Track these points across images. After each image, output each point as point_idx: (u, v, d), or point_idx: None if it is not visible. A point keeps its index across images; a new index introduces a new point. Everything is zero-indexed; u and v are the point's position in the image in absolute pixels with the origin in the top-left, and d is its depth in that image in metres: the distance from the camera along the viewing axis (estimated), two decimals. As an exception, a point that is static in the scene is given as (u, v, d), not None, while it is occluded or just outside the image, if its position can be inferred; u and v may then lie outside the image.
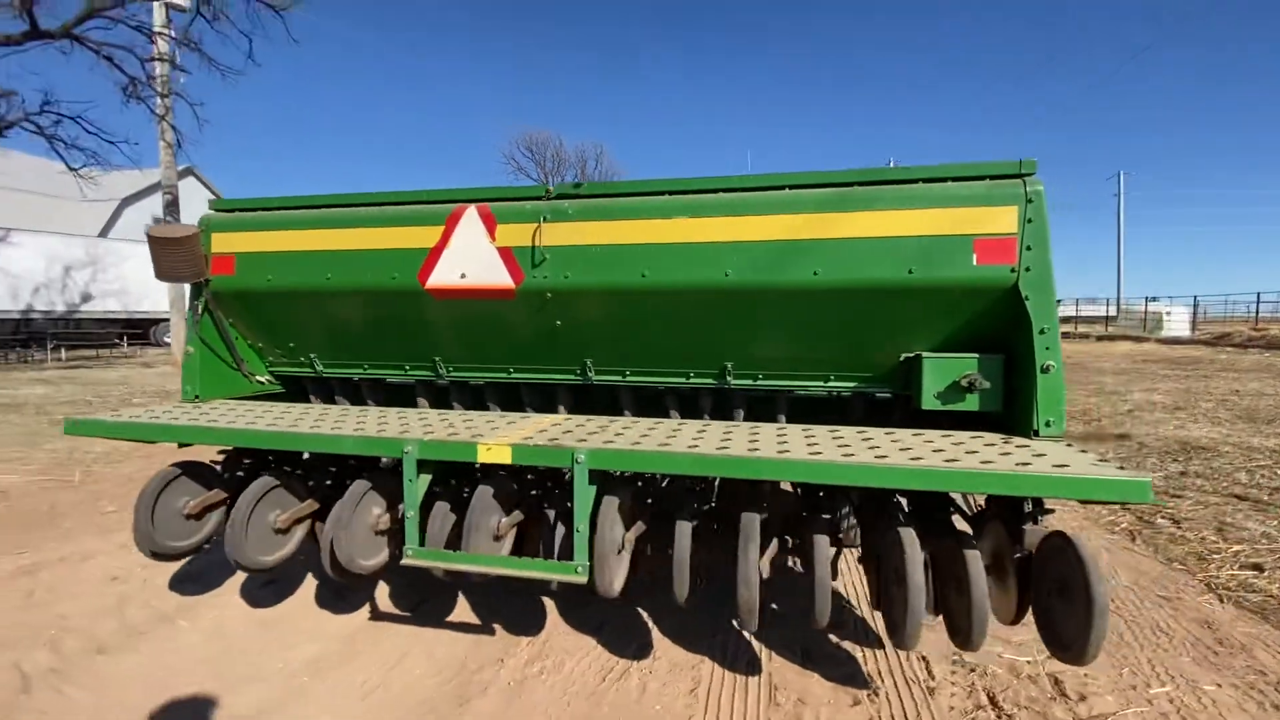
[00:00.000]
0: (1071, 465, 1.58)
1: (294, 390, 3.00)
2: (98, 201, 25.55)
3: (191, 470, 2.37)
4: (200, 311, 2.59)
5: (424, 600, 2.73)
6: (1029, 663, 2.31)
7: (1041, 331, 1.89)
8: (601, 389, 2.56)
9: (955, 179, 1.97)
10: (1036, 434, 1.92)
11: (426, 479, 2.04)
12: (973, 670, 2.27)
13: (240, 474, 2.51)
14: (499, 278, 2.27)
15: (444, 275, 2.32)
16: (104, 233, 24.83)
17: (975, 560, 1.75)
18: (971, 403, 2.03)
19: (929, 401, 2.05)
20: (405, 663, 2.29)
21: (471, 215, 2.30)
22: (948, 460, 1.68)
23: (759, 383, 2.37)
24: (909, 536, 1.80)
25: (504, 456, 1.84)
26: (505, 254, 2.27)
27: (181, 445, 2.36)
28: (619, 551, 1.96)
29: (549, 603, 2.71)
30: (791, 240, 2.03)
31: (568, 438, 1.96)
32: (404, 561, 1.99)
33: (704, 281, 2.11)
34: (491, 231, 2.28)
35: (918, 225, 1.96)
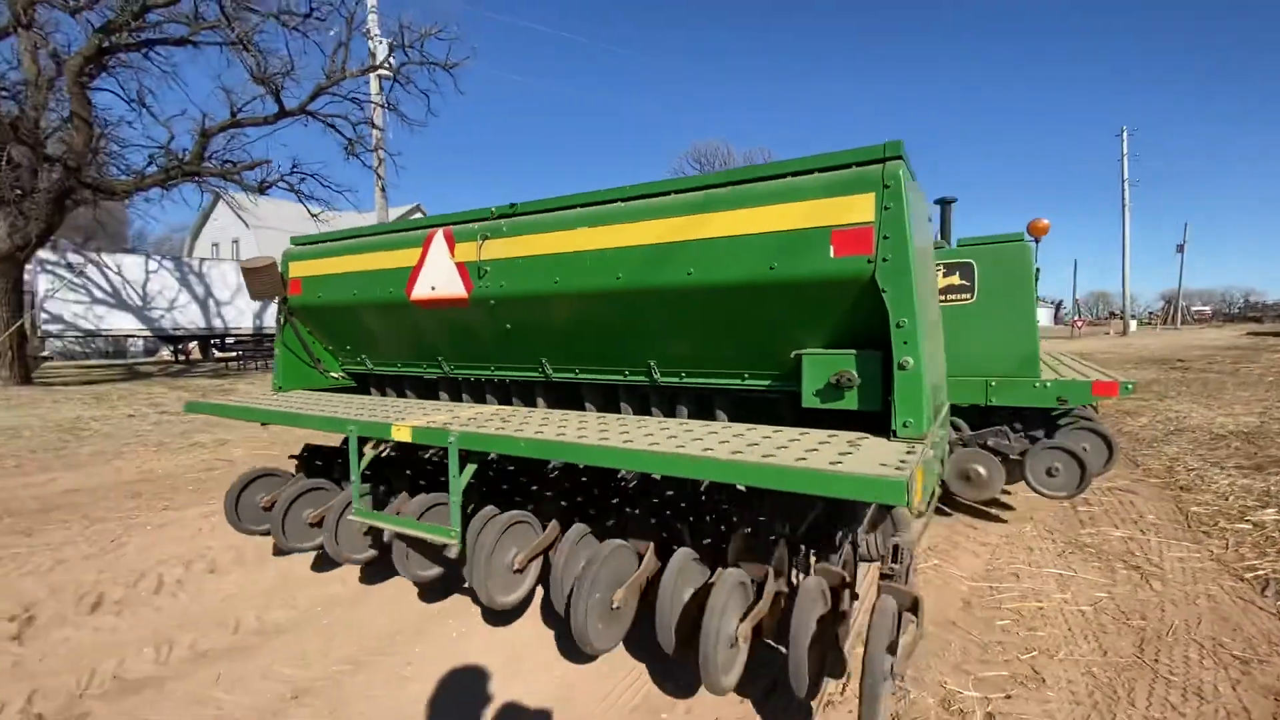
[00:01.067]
0: (848, 463, 1.51)
1: (363, 384, 3.74)
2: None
3: (267, 474, 3.17)
4: (283, 322, 3.41)
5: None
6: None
7: (899, 325, 1.77)
8: (570, 385, 2.84)
9: (821, 169, 1.92)
10: (894, 435, 1.78)
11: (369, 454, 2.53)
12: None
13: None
14: (457, 289, 2.69)
15: (421, 289, 2.80)
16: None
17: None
18: (850, 400, 1.94)
19: (809, 399, 2.00)
20: (391, 607, 2.79)
21: (439, 237, 2.75)
22: (765, 455, 1.68)
23: (684, 381, 2.46)
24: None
25: (406, 436, 2.23)
26: (461, 268, 2.68)
27: (263, 424, 3.14)
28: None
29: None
30: (667, 243, 2.14)
31: (471, 424, 2.28)
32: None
33: (601, 286, 2.30)
34: (452, 250, 2.71)
35: (780, 220, 1.94)
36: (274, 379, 3.48)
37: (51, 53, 11.14)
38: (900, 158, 1.81)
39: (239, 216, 27.09)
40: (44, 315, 19.50)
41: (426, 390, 3.46)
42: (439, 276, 2.74)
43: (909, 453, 1.60)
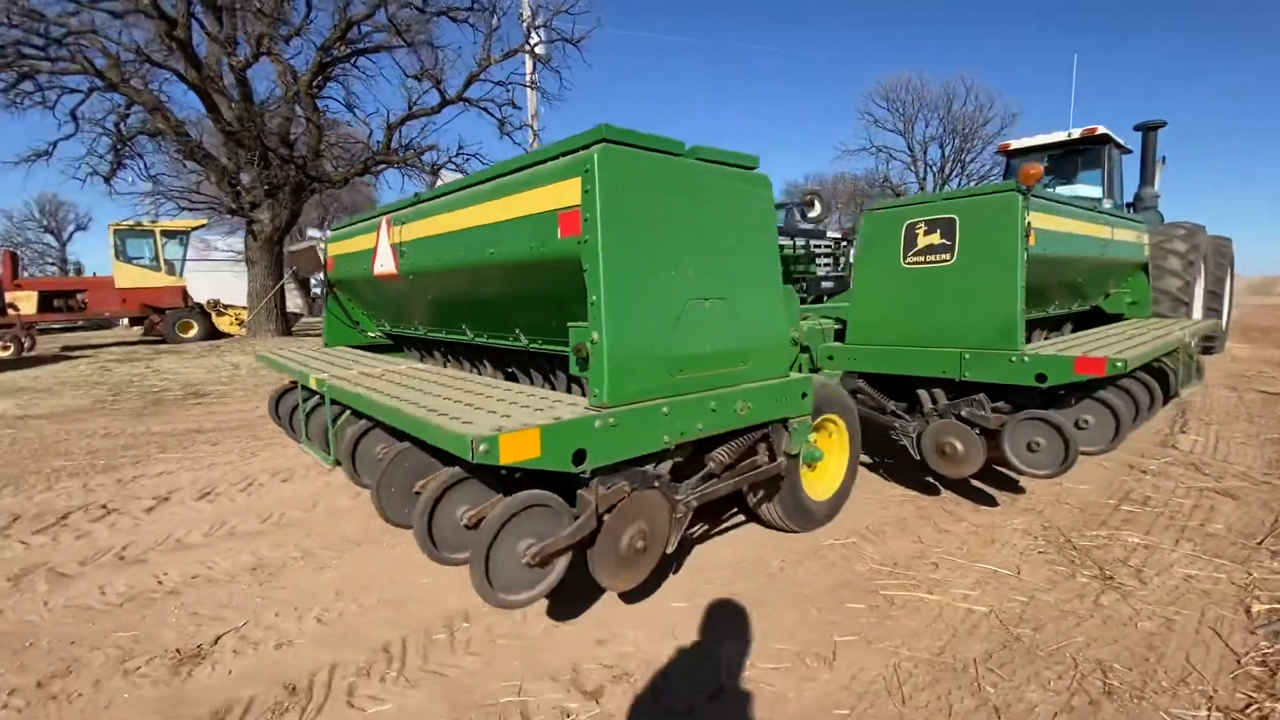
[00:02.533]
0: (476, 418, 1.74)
1: (397, 343, 4.56)
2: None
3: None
4: (325, 293, 4.32)
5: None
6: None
7: (591, 303, 1.87)
8: (471, 346, 3.28)
9: (555, 156, 2.04)
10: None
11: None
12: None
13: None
14: (391, 267, 3.25)
15: (376, 267, 3.41)
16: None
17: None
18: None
19: (573, 367, 2.18)
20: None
21: (384, 223, 3.32)
22: (431, 410, 1.96)
23: (515, 344, 2.75)
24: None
25: (313, 385, 2.86)
26: (393, 249, 3.22)
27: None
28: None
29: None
30: (479, 226, 2.42)
31: (345, 378, 2.82)
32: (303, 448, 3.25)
33: (453, 263, 2.66)
34: (390, 234, 3.26)
35: (534, 205, 2.12)
36: (324, 337, 4.44)
37: (288, 71, 14.07)
38: (606, 141, 1.87)
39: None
40: (317, 280, 25.02)
41: (424, 348, 4.14)
42: (384, 256, 3.32)
43: (555, 417, 1.76)
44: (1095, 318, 5.18)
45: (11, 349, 13.34)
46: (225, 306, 16.06)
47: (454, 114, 13.68)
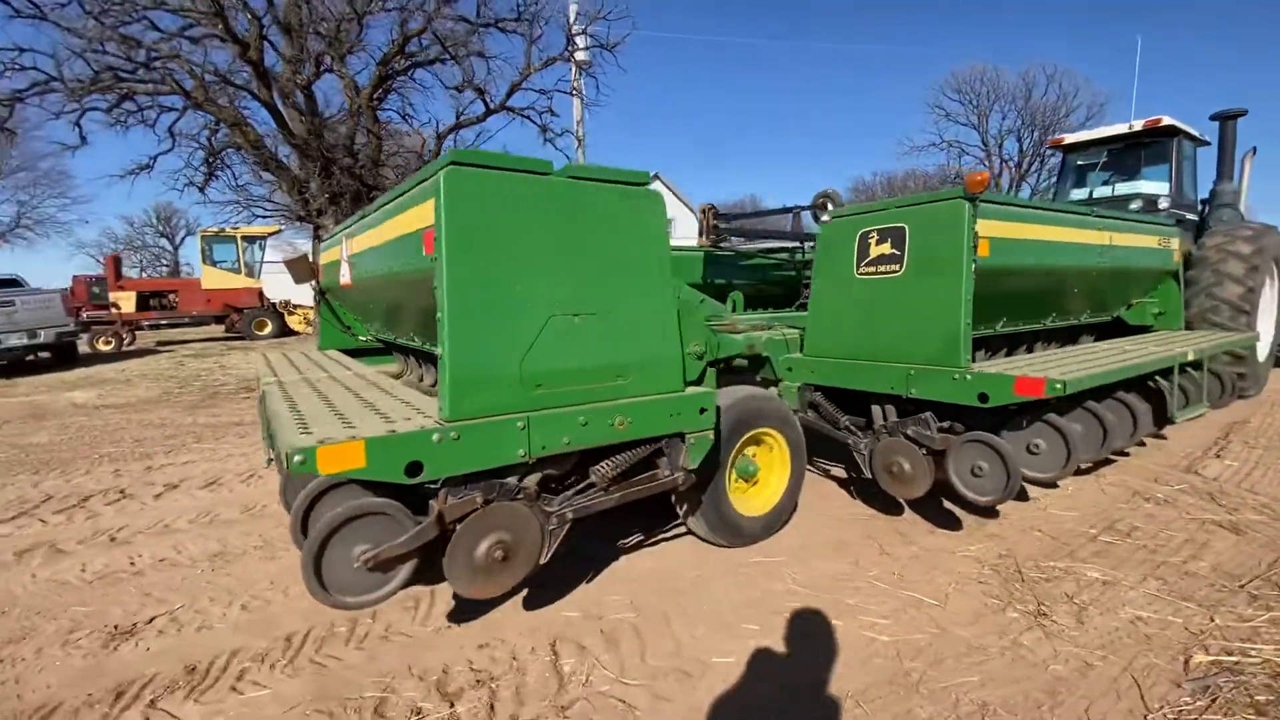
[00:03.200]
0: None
1: (388, 345, 4.80)
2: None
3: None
4: (318, 300, 4.61)
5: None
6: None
7: (437, 319, 1.94)
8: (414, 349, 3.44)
9: (429, 177, 2.11)
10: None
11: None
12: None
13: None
14: (349, 276, 3.44)
15: (341, 276, 3.63)
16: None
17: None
18: (464, 381, 2.15)
19: (449, 379, 2.27)
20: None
21: (343, 238, 3.52)
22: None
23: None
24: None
25: (259, 386, 3.08)
26: (349, 261, 3.42)
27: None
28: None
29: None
30: (396, 238, 2.52)
31: (297, 383, 3.02)
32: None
33: (382, 272, 2.79)
34: (346, 246, 3.46)
35: (412, 223, 2.21)
36: (318, 342, 4.74)
37: (351, 85, 14.95)
38: (455, 164, 1.93)
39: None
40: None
41: (400, 352, 4.35)
42: (344, 267, 3.53)
43: (391, 429, 1.84)
44: (1119, 328, 4.78)
45: (113, 343, 14.92)
46: (295, 306, 17.28)
47: (505, 121, 14.23)
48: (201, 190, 16.79)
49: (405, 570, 1.99)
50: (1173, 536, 3.24)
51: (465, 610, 2.59)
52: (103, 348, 14.73)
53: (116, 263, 16.92)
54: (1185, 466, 4.37)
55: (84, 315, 16.10)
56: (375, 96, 14.94)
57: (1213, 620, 2.48)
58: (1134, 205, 7.70)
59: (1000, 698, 2.05)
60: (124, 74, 12.72)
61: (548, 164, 2.13)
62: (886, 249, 3.17)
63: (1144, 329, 4.74)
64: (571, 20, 14.01)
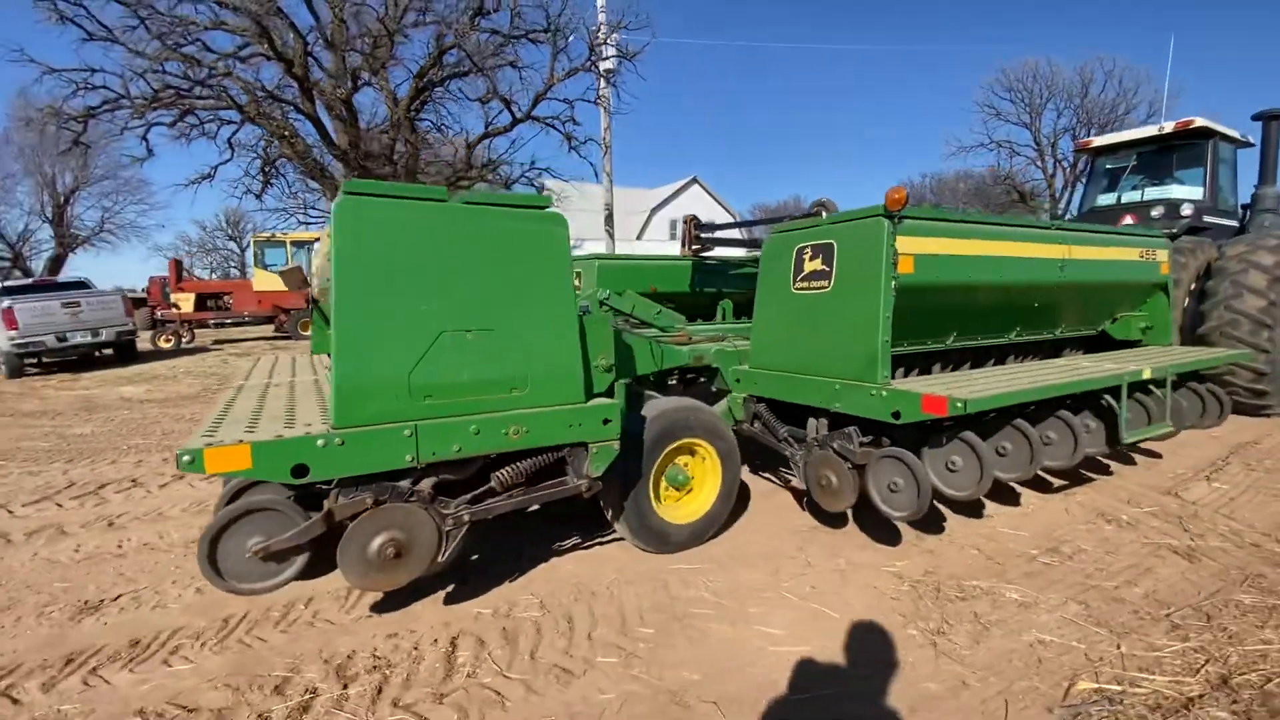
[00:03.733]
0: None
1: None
2: (638, 213, 35.65)
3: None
4: (309, 307, 4.93)
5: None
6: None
7: (330, 336, 2.13)
8: None
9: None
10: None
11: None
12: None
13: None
14: (315, 289, 3.71)
15: (316, 289, 3.90)
16: (639, 235, 34.70)
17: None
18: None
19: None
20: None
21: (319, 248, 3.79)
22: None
23: None
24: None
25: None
26: (314, 273, 3.68)
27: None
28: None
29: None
30: (326, 255, 2.75)
31: (268, 385, 3.29)
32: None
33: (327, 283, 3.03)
34: (317, 259, 3.72)
35: (328, 246, 2.41)
36: (311, 345, 5.07)
37: (391, 97, 15.63)
38: (347, 194, 2.12)
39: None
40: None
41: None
42: (314, 279, 3.80)
43: (278, 434, 2.04)
44: (1106, 343, 4.62)
45: (173, 341, 16.04)
46: (337, 308, 18.16)
47: (534, 131, 14.59)
48: (258, 197, 17.83)
49: (299, 561, 2.19)
50: (1116, 561, 3.16)
51: (389, 603, 2.78)
52: (163, 345, 15.85)
53: (177, 266, 18.15)
54: (1167, 488, 4.20)
55: (158, 314, 17.39)
56: (413, 108, 15.57)
57: (1118, 647, 2.43)
58: (1155, 212, 7.34)
59: (859, 711, 2.10)
60: (184, 91, 13.67)
61: (442, 192, 2.29)
62: (818, 265, 3.21)
63: (1132, 343, 4.57)
64: (599, 28, 14.26)
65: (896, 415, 2.78)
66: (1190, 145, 7.86)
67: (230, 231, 52.74)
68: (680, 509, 3.30)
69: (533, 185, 15.70)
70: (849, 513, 3.65)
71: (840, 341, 3.06)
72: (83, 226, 34.21)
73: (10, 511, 4.12)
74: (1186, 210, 7.11)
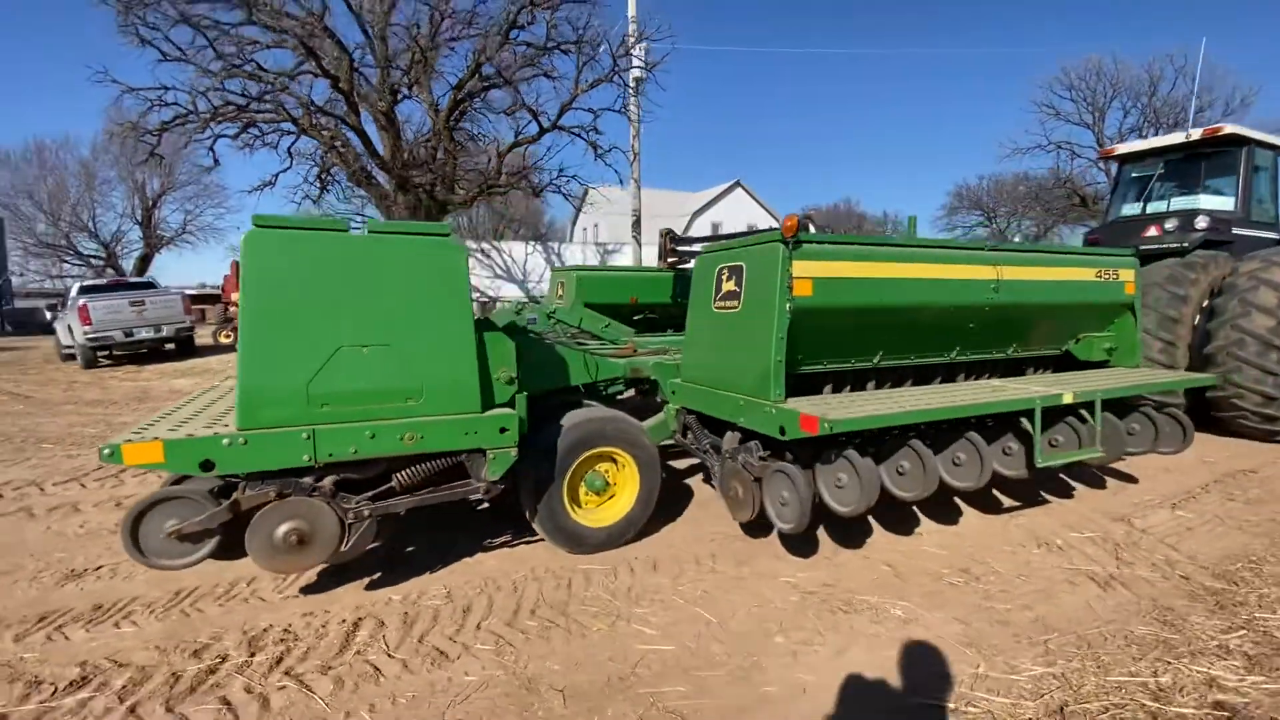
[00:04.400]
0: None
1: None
2: (679, 216, 35.82)
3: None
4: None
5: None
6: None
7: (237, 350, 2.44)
8: None
9: (257, 232, 2.63)
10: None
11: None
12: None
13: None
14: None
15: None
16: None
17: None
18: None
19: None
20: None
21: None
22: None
23: None
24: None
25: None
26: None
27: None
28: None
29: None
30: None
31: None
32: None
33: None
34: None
35: (257, 267, 2.73)
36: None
37: (433, 108, 16.39)
38: (256, 225, 2.43)
39: (570, 207, 33.63)
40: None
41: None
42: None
43: (190, 434, 2.37)
44: (1073, 363, 4.54)
45: (232, 337, 17.31)
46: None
47: (566, 141, 15.06)
48: (315, 202, 18.96)
49: (211, 543, 2.52)
50: (1024, 585, 3.16)
51: (316, 586, 3.11)
52: (224, 340, 17.13)
53: (237, 269, 19.53)
54: (1123, 514, 4.09)
55: (230, 309, 18.81)
56: (451, 119, 16.27)
57: (977, 668, 2.49)
58: (1169, 224, 7.00)
59: (700, 706, 2.25)
60: (243, 106, 14.78)
61: (343, 223, 2.58)
62: (732, 285, 3.35)
63: (1097, 364, 4.46)
64: (630, 38, 14.54)
65: (782, 431, 2.90)
66: (1222, 153, 7.44)
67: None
68: (600, 513, 3.50)
69: (560, 191, 16.16)
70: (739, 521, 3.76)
71: (745, 359, 3.19)
72: (168, 228, 37.05)
73: (41, 489, 4.72)
74: (1201, 223, 6.75)
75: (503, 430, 2.85)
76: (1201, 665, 2.44)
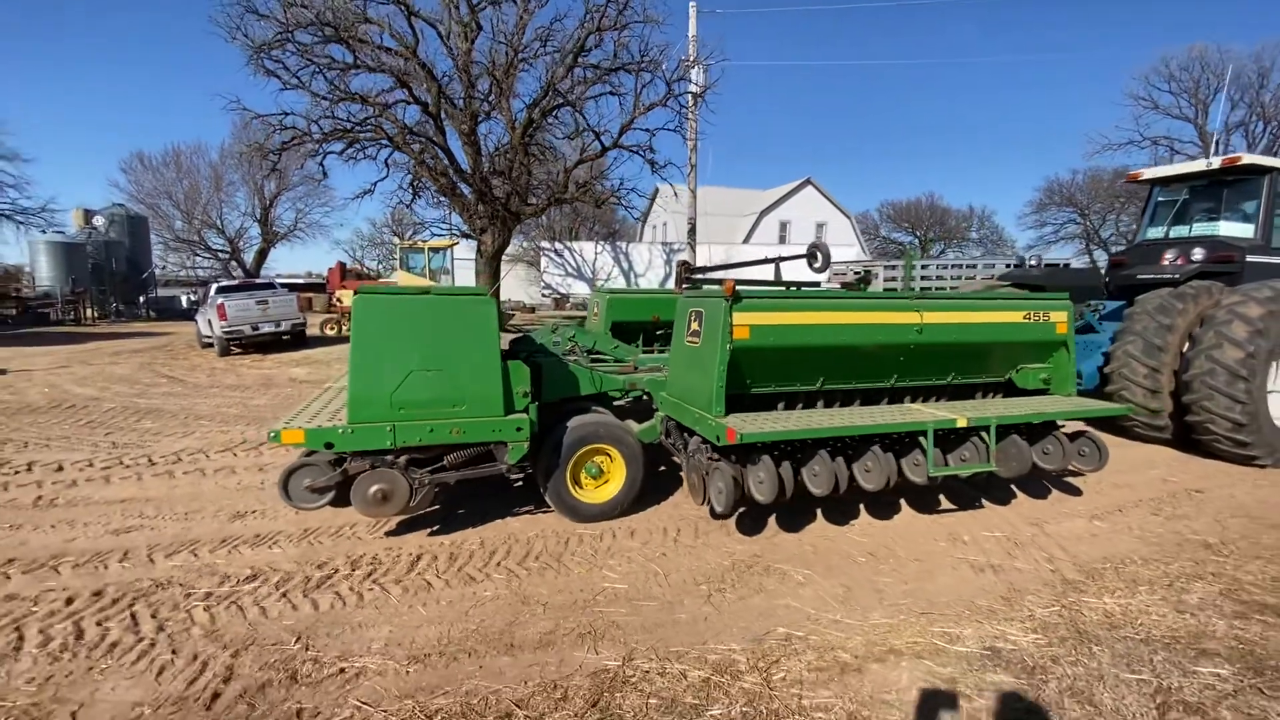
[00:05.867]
0: None
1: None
2: (747, 215, 36.20)
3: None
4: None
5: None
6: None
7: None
8: None
9: (361, 292, 3.95)
10: (349, 419, 3.81)
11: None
12: (410, 554, 4.13)
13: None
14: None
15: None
16: (747, 239, 35.30)
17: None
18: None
19: (376, 399, 4.12)
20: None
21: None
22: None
23: None
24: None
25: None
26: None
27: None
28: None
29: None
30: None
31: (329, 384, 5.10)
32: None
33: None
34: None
35: (360, 313, 4.08)
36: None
37: (512, 123, 18.03)
38: (358, 293, 3.74)
39: (624, 213, 34.65)
40: (542, 283, 30.25)
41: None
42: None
43: (320, 425, 3.72)
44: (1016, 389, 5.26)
45: (335, 329, 19.79)
46: (460, 305, 21.21)
47: (625, 158, 16.30)
48: (409, 207, 21.18)
49: (330, 494, 3.89)
50: (915, 567, 4.04)
51: (395, 532, 4.45)
52: (328, 332, 19.63)
53: (342, 268, 22.13)
54: (1040, 519, 4.82)
55: (335, 298, 21.49)
56: (526, 135, 17.85)
57: (836, 616, 3.46)
58: (1169, 255, 7.30)
59: (630, 620, 3.37)
60: (349, 128, 16.96)
61: (424, 289, 3.86)
62: (696, 325, 4.41)
63: (1037, 392, 5.16)
64: (685, 62, 15.52)
65: (718, 439, 3.95)
66: (1243, 181, 7.62)
67: (395, 229, 60.76)
68: (596, 493, 4.67)
69: (620, 204, 17.40)
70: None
71: (700, 382, 4.25)
72: (281, 225, 41.46)
73: (206, 456, 6.43)
74: (1197, 255, 7.05)
75: (518, 429, 4.07)
76: (1001, 626, 3.31)
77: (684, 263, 6.97)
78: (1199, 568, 4.02)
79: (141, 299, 29.62)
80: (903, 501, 5.15)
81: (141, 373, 12.10)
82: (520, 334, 6.35)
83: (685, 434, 4.74)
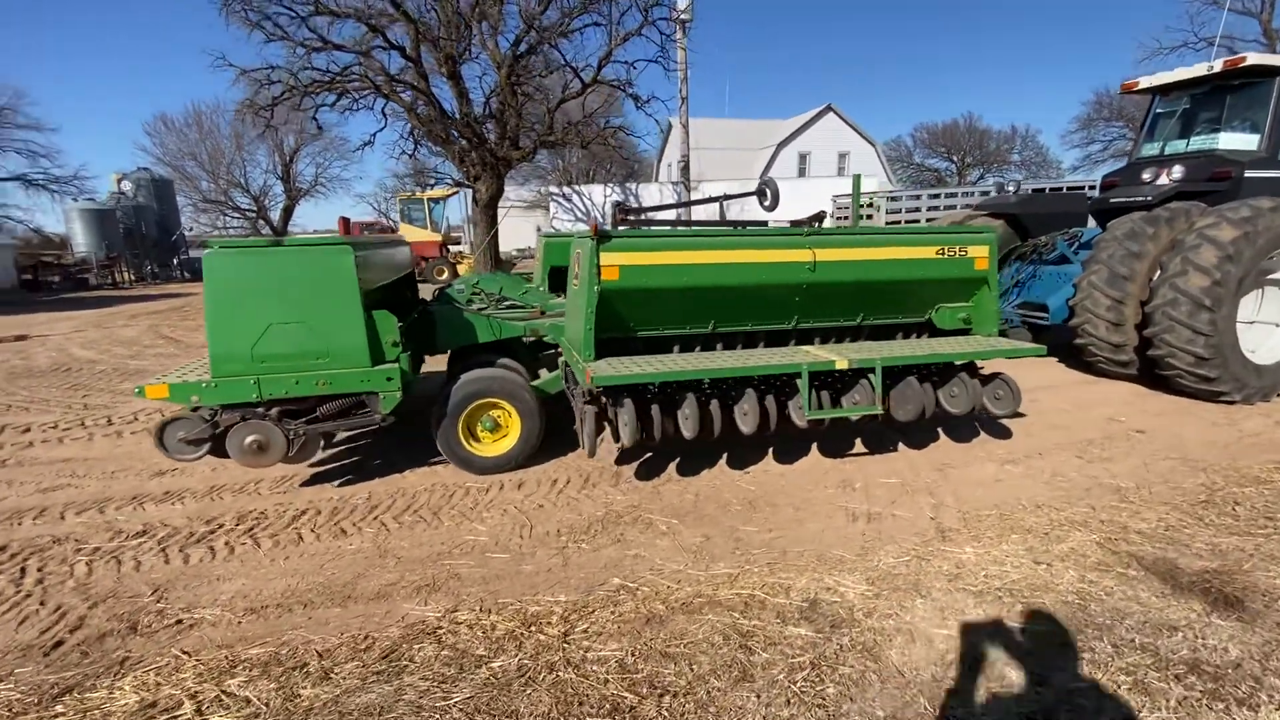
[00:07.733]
0: None
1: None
2: (764, 148, 34.68)
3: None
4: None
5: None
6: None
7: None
8: None
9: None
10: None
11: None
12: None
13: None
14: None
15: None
16: (765, 171, 33.86)
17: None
18: (243, 361, 4.02)
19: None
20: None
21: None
22: None
23: None
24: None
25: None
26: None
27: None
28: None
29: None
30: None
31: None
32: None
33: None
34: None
35: (227, 272, 4.07)
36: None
37: (498, 64, 17.44)
38: (217, 248, 3.71)
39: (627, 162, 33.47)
40: (552, 228, 29.93)
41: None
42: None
43: (184, 379, 3.79)
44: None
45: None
46: (462, 255, 21.18)
47: (622, 97, 15.59)
48: (411, 156, 21.05)
49: (205, 447, 4.00)
50: (791, 514, 3.95)
51: (293, 488, 4.58)
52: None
53: (345, 223, 22.22)
54: (949, 464, 4.63)
55: None
56: (512, 76, 17.26)
57: (684, 566, 3.42)
58: (1146, 175, 6.64)
59: (474, 573, 3.41)
60: (331, 80, 16.69)
61: (276, 240, 3.80)
62: (576, 267, 4.26)
63: (957, 332, 4.86)
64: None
65: (587, 379, 3.84)
66: (1250, 86, 6.81)
67: (417, 180, 60.71)
68: (494, 446, 4.68)
69: (608, 143, 16.79)
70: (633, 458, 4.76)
71: (576, 326, 4.15)
72: (303, 180, 41.86)
73: (162, 414, 6.69)
74: (1176, 173, 6.39)
75: (389, 379, 4.07)
76: (837, 577, 3.21)
77: (619, 203, 6.70)
78: (1092, 514, 3.81)
79: (175, 260, 30.67)
80: (814, 446, 5.01)
81: (146, 335, 12.60)
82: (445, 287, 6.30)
83: (573, 381, 4.68)
